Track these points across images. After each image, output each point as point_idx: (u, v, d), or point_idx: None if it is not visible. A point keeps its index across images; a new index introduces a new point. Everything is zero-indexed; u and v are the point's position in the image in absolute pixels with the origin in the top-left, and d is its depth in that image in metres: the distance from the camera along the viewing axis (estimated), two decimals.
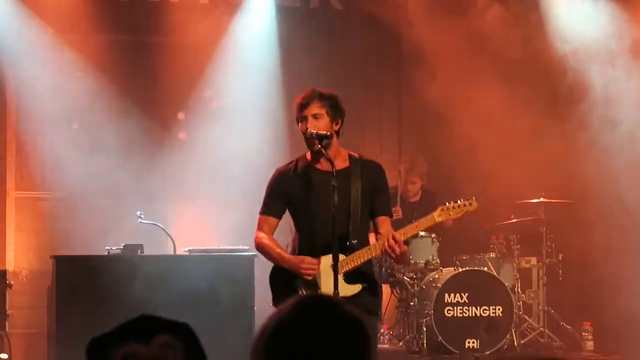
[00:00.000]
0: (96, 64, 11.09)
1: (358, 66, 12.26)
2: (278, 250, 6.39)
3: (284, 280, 6.30)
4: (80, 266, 9.10)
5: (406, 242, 9.87)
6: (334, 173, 6.11)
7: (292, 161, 6.52)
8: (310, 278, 6.22)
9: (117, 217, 10.38)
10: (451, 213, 6.52)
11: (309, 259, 6.23)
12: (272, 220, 6.49)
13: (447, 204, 6.52)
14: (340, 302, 2.42)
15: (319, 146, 6.21)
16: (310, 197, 6.33)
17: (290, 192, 6.41)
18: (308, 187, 6.35)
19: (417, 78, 11.37)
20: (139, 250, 9.35)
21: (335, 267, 6.08)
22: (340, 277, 6.18)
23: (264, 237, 6.44)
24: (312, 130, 6.23)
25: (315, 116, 6.29)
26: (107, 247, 9.34)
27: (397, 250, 6.16)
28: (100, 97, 11.04)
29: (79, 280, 8.99)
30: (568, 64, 10.94)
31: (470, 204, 6.57)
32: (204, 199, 11.19)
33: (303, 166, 6.42)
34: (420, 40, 11.16)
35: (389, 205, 6.57)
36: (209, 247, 9.63)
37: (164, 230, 9.71)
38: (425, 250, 9.99)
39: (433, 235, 9.99)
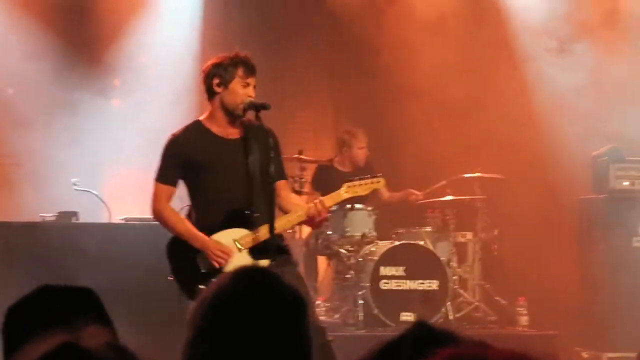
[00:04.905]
0: (32, 28, 10.89)
1: (292, 31, 12.17)
2: (187, 225, 6.24)
3: (184, 253, 6.16)
4: (14, 232, 8.94)
5: (343, 215, 9.92)
6: (246, 138, 6.18)
7: (185, 127, 6.38)
8: (217, 267, 6.07)
9: (52, 184, 10.24)
10: (358, 190, 6.54)
11: (225, 247, 6.11)
12: (170, 189, 6.35)
13: (353, 180, 6.53)
14: (279, 275, 2.40)
15: (256, 115, 6.18)
16: (212, 166, 6.21)
17: (189, 160, 6.25)
18: (209, 155, 6.23)
19: (355, 45, 11.33)
20: (73, 218, 9.24)
21: (272, 238, 6.05)
22: (246, 253, 6.13)
23: (167, 208, 6.31)
24: (252, 100, 6.21)
25: (254, 88, 6.28)
26: (41, 214, 9.22)
27: (324, 214, 6.18)
28: (35, 61, 10.85)
29: (12, 246, 8.85)
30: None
31: (377, 182, 6.60)
32: (140, 167, 11.07)
33: (201, 132, 6.30)
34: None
35: (283, 169, 6.49)
36: (145, 216, 9.53)
37: (98, 197, 9.59)
38: (362, 222, 9.96)
39: (370, 208, 9.96)
